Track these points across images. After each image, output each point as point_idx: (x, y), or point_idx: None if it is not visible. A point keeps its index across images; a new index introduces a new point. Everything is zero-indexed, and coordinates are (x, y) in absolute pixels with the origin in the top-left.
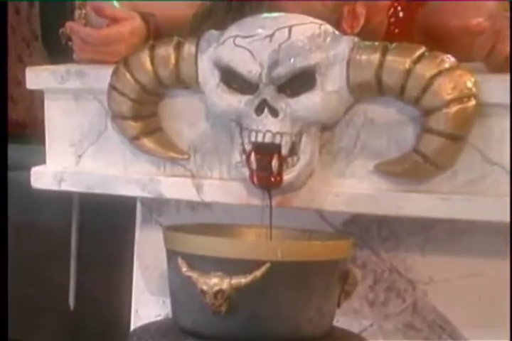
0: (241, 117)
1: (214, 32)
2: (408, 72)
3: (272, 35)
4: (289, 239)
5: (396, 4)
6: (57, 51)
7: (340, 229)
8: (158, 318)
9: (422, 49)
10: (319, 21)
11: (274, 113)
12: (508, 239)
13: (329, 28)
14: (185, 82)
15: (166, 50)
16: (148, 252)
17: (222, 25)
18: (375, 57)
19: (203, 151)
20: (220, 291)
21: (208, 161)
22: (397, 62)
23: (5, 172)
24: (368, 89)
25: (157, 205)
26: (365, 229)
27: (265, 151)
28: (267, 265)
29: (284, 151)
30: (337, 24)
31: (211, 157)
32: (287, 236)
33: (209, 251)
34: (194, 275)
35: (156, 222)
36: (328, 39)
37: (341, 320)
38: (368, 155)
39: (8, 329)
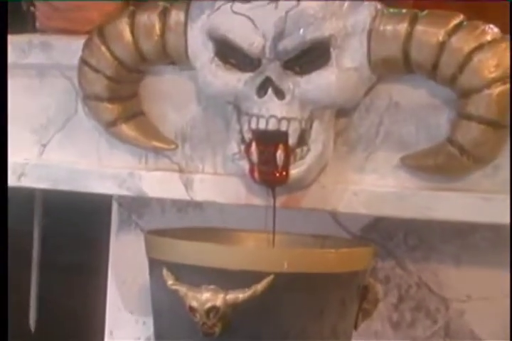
0: (240, 99)
1: None
2: (442, 46)
3: (277, 1)
4: (297, 247)
5: None
6: (17, 18)
7: (358, 236)
8: None
9: (459, 17)
10: None
11: (280, 94)
12: None
13: None
14: (172, 57)
15: (149, 18)
16: (126, 262)
17: None
18: (402, 27)
19: (194, 140)
20: (213, 308)
21: (200, 152)
22: (429, 33)
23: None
24: (393, 66)
25: (137, 205)
26: (388, 236)
27: (269, 141)
28: (270, 277)
29: (292, 140)
30: None
31: (203, 147)
32: (294, 242)
33: (200, 260)
34: (182, 289)
35: (136, 225)
36: (346, 5)
37: None
38: (393, 145)
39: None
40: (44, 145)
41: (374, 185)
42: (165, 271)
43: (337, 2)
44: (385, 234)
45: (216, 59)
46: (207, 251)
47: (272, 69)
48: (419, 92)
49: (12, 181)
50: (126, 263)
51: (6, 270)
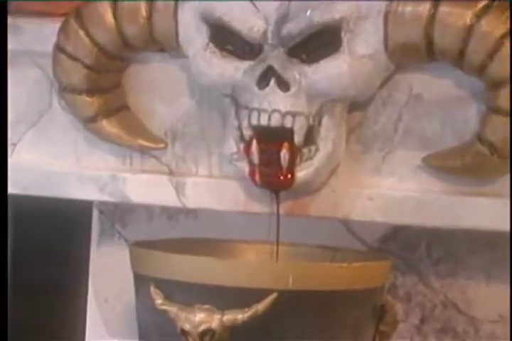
0: (238, 91)
1: None
2: (469, 30)
3: None
4: (304, 260)
5: None
6: None
7: (374, 247)
8: None
9: None
10: None
11: (284, 85)
12: None
13: None
14: (161, 43)
15: None
16: (109, 278)
17: None
18: (424, 8)
19: (186, 138)
20: (209, 331)
21: (192, 152)
22: (454, 15)
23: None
24: (413, 53)
25: (121, 213)
26: (409, 247)
27: (271, 138)
28: (273, 295)
29: (298, 138)
30: None
31: (196, 146)
32: (301, 255)
33: (193, 276)
34: (172, 309)
35: (120, 235)
36: None
37: None
38: (414, 144)
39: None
40: (14, 145)
41: (392, 188)
42: (153, 289)
43: None
44: (405, 246)
45: (211, 45)
46: (201, 266)
47: (274, 57)
48: (443, 83)
49: None
50: (109, 280)
51: (6, 270)
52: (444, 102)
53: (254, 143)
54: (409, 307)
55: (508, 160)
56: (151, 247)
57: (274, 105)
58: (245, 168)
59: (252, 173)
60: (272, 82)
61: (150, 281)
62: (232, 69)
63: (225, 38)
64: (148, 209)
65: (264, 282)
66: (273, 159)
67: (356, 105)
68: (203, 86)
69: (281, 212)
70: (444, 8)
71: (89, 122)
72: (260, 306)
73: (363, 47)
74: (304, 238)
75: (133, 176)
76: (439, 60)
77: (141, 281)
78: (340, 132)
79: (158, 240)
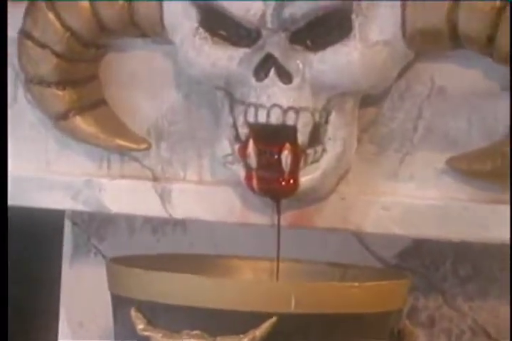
0: (232, 83)
1: None
2: (499, 12)
3: None
4: (309, 279)
5: None
6: None
7: (391, 264)
8: None
9: None
10: None
11: (286, 76)
12: None
13: None
14: (143, 27)
15: None
16: (83, 299)
17: None
18: None
19: (172, 138)
20: None
21: (180, 154)
22: None
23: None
24: (435, 39)
25: (98, 225)
26: (432, 264)
27: (271, 138)
28: (273, 320)
29: (302, 138)
30: None
31: (184, 147)
32: (306, 273)
33: (181, 297)
34: (156, 336)
35: (97, 251)
36: None
37: None
38: (436, 144)
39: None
40: None
41: (411, 196)
42: (134, 312)
43: None
44: (427, 262)
45: (201, 30)
46: (190, 286)
47: (274, 44)
48: (470, 74)
49: None
50: (84, 301)
51: (6, 270)
52: (471, 96)
53: (251, 143)
54: (432, 333)
55: None
56: (132, 264)
57: (274, 99)
58: (241, 172)
59: (248, 178)
60: (272, 72)
61: (131, 303)
62: (225, 58)
63: (218, 22)
64: (130, 221)
65: (262, 304)
66: (273, 162)
67: (369, 99)
68: (191, 77)
69: (282, 223)
70: None
71: (60, 119)
72: (258, 332)
73: (377, 33)
74: (309, 253)
75: (111, 182)
76: (464, 48)
77: (120, 303)
78: (350, 130)
79: (141, 256)
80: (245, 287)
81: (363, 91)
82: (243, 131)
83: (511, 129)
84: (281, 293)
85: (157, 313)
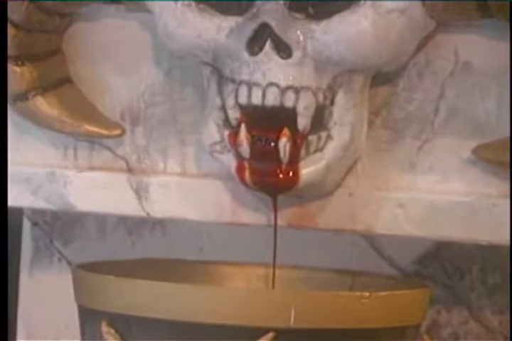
0: (221, 58)
1: None
2: None
3: None
4: (311, 288)
5: None
6: None
7: (408, 271)
8: None
9: None
10: None
11: (284, 50)
12: None
13: None
14: None
15: None
16: (45, 312)
17: None
18: None
19: (150, 122)
20: None
21: (159, 141)
22: None
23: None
24: (460, 7)
25: (62, 226)
26: (456, 272)
27: (267, 123)
28: (269, 336)
29: (303, 122)
30: None
31: (165, 133)
32: (307, 282)
33: (160, 309)
34: None
35: (61, 256)
36: None
37: None
38: (461, 130)
39: None
40: None
41: (432, 191)
42: (105, 327)
43: None
44: (450, 269)
45: None
46: (171, 296)
47: (270, 12)
48: (499, 47)
49: None
50: (45, 315)
51: (6, 270)
52: (500, 73)
53: (244, 128)
54: None
55: None
56: (102, 271)
57: (271, 77)
58: (231, 162)
59: (240, 170)
60: (268, 45)
61: (101, 317)
62: (213, 29)
63: None
64: (100, 221)
65: (256, 318)
66: (269, 151)
67: (382, 77)
68: (173, 51)
69: (280, 223)
70: None
71: (18, 100)
72: None
73: None
74: (311, 259)
75: (78, 175)
76: (494, 17)
77: (89, 317)
78: (360, 114)
79: (113, 262)
80: (236, 297)
81: (374, 68)
82: (234, 114)
83: (511, 129)
84: (279, 305)
85: (132, 328)
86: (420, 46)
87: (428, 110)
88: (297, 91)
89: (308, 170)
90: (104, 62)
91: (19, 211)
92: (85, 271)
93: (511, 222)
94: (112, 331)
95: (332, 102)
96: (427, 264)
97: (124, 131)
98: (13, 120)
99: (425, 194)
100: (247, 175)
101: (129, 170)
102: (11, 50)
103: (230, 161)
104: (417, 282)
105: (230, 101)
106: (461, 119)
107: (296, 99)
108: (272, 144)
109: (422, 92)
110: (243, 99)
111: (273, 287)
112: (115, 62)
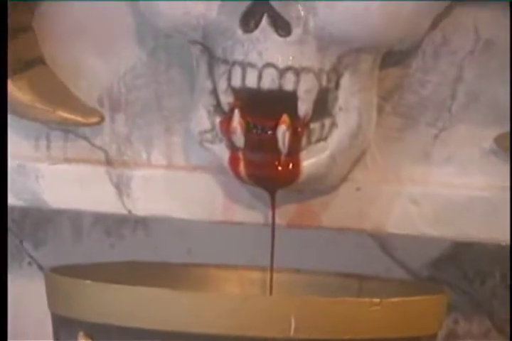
0: (212, 36)
1: None
2: None
3: None
4: (314, 294)
5: None
6: None
7: (422, 275)
8: None
9: None
10: None
11: (283, 27)
12: None
13: None
14: None
15: None
16: (14, 321)
17: None
18: None
19: (132, 109)
20: None
21: (143, 130)
22: None
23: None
24: None
25: (33, 225)
26: (476, 276)
27: (264, 108)
28: None
29: (304, 108)
30: None
31: (148, 121)
32: (310, 287)
33: (145, 318)
34: None
35: (32, 259)
36: None
37: None
38: (481, 116)
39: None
40: None
41: (448, 185)
42: (82, 337)
43: None
44: (470, 273)
45: None
46: (156, 303)
47: None
48: None
49: None
50: (15, 324)
51: (6, 270)
52: None
53: (237, 115)
54: None
55: None
56: (79, 275)
57: (268, 57)
58: (224, 153)
59: (233, 162)
60: (264, 21)
61: (78, 326)
62: (202, 3)
63: None
64: (75, 220)
65: (252, 327)
66: (266, 140)
67: (393, 57)
68: (157, 29)
69: (278, 221)
70: None
71: None
72: None
73: None
74: (314, 261)
75: (51, 168)
76: None
77: (64, 326)
78: (368, 98)
79: (91, 265)
80: (229, 304)
81: (384, 47)
82: (226, 98)
83: (511, 127)
84: (277, 313)
85: (113, 339)
86: (436, 22)
87: (444, 94)
88: (297, 72)
89: (310, 161)
90: (80, 41)
91: None
92: (60, 275)
93: (511, 222)
94: None
95: (337, 85)
96: (444, 267)
97: (102, 118)
98: None
99: (441, 188)
100: (241, 167)
101: (109, 163)
102: None
103: (222, 152)
104: (433, 287)
105: (222, 84)
106: (481, 105)
107: (297, 81)
108: (270, 133)
109: (437, 74)
110: (237, 82)
111: (270, 293)
112: (93, 40)
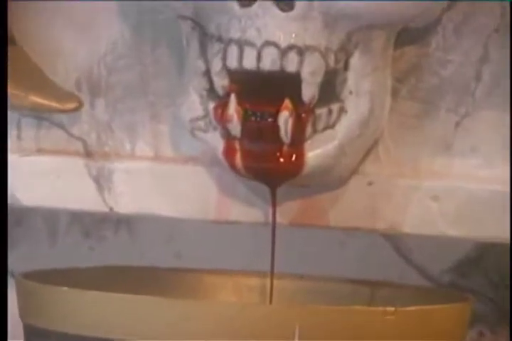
0: (205, 11)
1: None
2: None
3: None
4: (320, 302)
5: None
6: None
7: (443, 281)
8: None
9: None
10: None
11: (285, 0)
12: None
13: None
14: None
15: None
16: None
17: None
18: None
19: (113, 93)
20: None
21: (126, 117)
22: None
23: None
24: None
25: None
26: (503, 283)
27: (263, 92)
28: None
29: (310, 92)
30: None
31: (132, 107)
32: (315, 294)
33: (129, 329)
34: None
35: None
36: None
37: None
38: (508, 101)
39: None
40: None
41: (473, 178)
42: None
43: None
44: (496, 279)
45: None
46: (142, 312)
47: None
48: None
49: None
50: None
51: (6, 270)
52: None
53: (234, 100)
54: None
55: None
56: (54, 281)
57: (268, 34)
58: (218, 143)
59: (229, 153)
60: None
61: (53, 338)
62: None
63: None
64: (50, 219)
65: (251, 338)
66: (266, 128)
67: (410, 34)
68: (142, 2)
69: (280, 220)
70: None
71: None
72: None
73: None
74: (320, 265)
75: (23, 159)
76: None
77: (38, 338)
78: (382, 81)
79: (67, 270)
80: (225, 313)
81: (399, 23)
82: (221, 81)
83: (511, 126)
84: (279, 323)
85: None
86: None
87: (468, 76)
88: (301, 52)
89: (316, 152)
90: (55, 18)
91: None
92: (33, 281)
93: (511, 222)
94: None
95: (346, 66)
96: (466, 273)
97: (80, 104)
98: None
99: (465, 182)
100: (238, 159)
101: (88, 154)
102: None
103: (216, 142)
104: (454, 295)
105: (216, 65)
106: (508, 88)
107: (301, 62)
108: (270, 120)
109: (460, 54)
110: (233, 63)
111: (270, 301)
112: (69, 16)
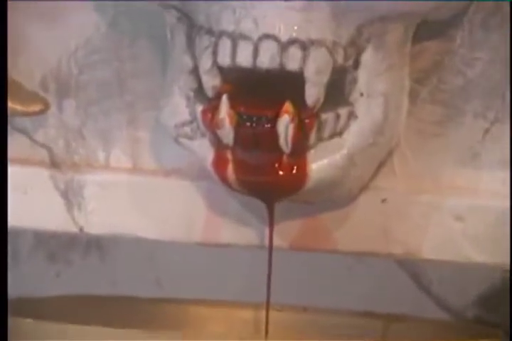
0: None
1: None
2: None
3: None
4: (326, 338)
5: None
6: None
7: (467, 315)
8: None
9: None
10: None
11: None
12: None
13: None
14: None
15: None
16: None
17: None
18: None
19: (85, 94)
20: None
21: (99, 121)
22: None
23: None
24: None
25: None
26: None
27: (260, 94)
28: None
29: (314, 93)
30: None
31: (107, 109)
32: (320, 328)
33: None
34: None
35: None
36: None
37: None
38: None
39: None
40: None
41: (503, 195)
42: None
43: None
44: None
45: None
46: None
47: None
48: None
49: None
50: None
51: (6, 270)
52: None
53: (226, 102)
54: None
55: None
56: (15, 312)
57: (266, 26)
58: (207, 153)
59: (220, 164)
60: None
61: None
62: None
63: None
64: (11, 240)
65: None
66: (263, 135)
67: (431, 28)
68: None
69: (278, 242)
70: None
71: None
72: None
73: None
74: (326, 296)
75: None
76: None
77: None
78: (398, 81)
79: (30, 299)
80: None
81: (418, 14)
82: (211, 81)
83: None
84: None
85: None
86: None
87: (497, 76)
88: (305, 47)
89: (320, 163)
90: (19, 7)
91: None
92: None
93: (511, 222)
94: None
95: (356, 64)
96: (494, 306)
97: (46, 106)
98: None
99: (494, 200)
100: (229, 171)
101: (54, 164)
102: None
103: (204, 151)
104: (481, 331)
105: (206, 62)
106: None
107: (304, 58)
108: (268, 125)
109: (488, 50)
110: (225, 59)
111: (266, 336)
112: (35, 6)
